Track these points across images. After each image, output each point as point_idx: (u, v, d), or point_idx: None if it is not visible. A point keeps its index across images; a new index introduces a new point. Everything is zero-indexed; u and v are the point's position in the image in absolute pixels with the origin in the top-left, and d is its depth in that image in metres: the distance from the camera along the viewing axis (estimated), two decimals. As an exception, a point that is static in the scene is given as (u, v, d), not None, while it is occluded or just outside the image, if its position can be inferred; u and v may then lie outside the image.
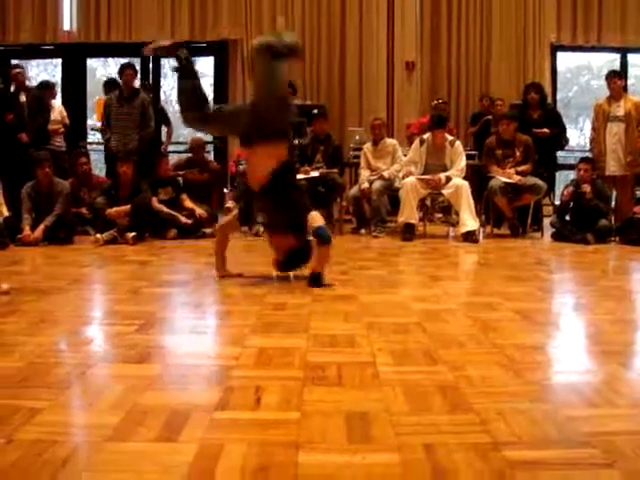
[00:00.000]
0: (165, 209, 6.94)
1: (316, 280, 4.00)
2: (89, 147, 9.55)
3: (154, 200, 6.98)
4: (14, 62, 9.33)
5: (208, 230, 6.96)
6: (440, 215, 8.72)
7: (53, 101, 8.48)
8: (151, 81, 10.58)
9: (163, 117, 8.84)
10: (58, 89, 9.88)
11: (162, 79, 10.71)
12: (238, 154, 7.89)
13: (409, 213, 6.90)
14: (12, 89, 8.10)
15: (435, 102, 9.19)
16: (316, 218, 4.05)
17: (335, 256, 4.63)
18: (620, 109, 7.52)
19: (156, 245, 6.37)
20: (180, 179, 7.53)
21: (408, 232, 6.86)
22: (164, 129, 8.95)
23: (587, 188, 6.79)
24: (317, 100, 9.72)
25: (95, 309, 3.67)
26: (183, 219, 6.94)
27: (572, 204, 6.96)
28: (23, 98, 7.86)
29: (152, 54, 4.52)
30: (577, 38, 10.22)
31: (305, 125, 7.93)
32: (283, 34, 4.27)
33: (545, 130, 7.71)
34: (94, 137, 9.66)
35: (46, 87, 8.45)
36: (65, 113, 8.51)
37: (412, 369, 2.36)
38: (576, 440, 1.73)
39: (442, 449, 1.66)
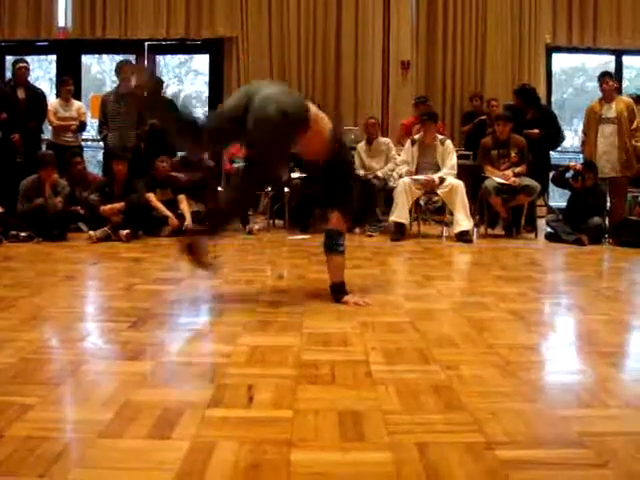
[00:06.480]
0: (162, 207, 6.89)
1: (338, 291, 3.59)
2: (84, 143, 9.46)
3: (152, 197, 6.93)
4: (8, 58, 9.27)
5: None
6: (424, 216, 8.57)
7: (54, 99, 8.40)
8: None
9: None
10: (52, 85, 9.84)
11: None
12: (233, 152, 7.86)
13: (399, 212, 6.89)
14: (8, 84, 7.98)
15: (415, 100, 9.06)
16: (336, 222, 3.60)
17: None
18: (612, 110, 7.51)
19: (150, 242, 6.35)
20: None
21: (398, 232, 6.85)
22: None
23: (577, 166, 7.16)
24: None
25: (88, 305, 3.66)
26: (174, 221, 6.82)
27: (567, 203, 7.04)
28: (21, 95, 7.71)
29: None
30: (572, 39, 10.25)
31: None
32: None
33: (535, 131, 7.71)
34: (89, 134, 9.60)
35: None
36: (84, 110, 8.40)
37: (405, 368, 2.36)
38: (569, 440, 1.73)
39: (435, 448, 1.67)
